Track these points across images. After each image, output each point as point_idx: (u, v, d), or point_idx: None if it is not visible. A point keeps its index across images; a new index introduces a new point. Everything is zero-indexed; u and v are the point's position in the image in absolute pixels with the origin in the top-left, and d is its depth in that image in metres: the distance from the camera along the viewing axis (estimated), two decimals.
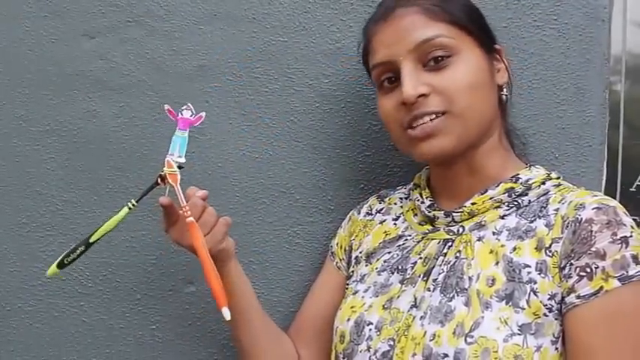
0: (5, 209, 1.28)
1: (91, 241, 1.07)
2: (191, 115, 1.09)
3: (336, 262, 1.20)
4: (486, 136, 1.05)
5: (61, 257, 1.07)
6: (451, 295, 0.98)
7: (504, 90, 1.08)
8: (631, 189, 1.28)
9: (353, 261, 1.16)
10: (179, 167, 1.07)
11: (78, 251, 1.07)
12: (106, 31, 1.27)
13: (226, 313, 1.01)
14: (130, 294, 1.28)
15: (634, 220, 1.15)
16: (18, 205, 1.28)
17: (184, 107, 1.09)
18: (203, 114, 1.10)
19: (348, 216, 1.22)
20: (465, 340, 0.92)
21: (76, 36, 1.27)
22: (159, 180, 1.07)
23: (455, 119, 1.00)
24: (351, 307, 1.07)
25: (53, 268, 1.07)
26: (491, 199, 1.03)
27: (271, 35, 1.27)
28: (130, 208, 1.07)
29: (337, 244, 1.21)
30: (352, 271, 1.15)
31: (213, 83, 1.27)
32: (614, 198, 1.25)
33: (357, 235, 1.18)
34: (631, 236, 0.93)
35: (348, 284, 1.15)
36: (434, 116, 1.00)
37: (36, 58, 1.27)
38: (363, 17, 1.23)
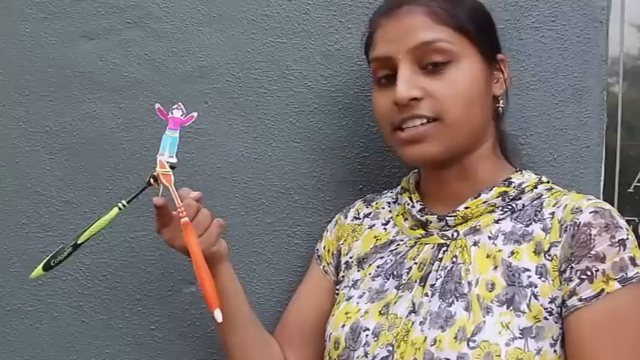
0: (5, 210, 1.28)
1: (79, 242, 1.04)
2: (182, 115, 1.08)
3: (323, 266, 1.19)
4: (478, 144, 1.05)
5: (47, 259, 1.04)
6: (450, 300, 0.98)
7: (501, 102, 1.07)
8: (629, 190, 1.29)
9: (343, 266, 1.16)
10: (171, 167, 1.06)
11: (65, 252, 1.04)
12: (106, 32, 1.27)
13: (218, 316, 1.01)
14: (130, 294, 1.28)
15: (633, 220, 1.16)
16: (18, 206, 1.28)
17: (175, 106, 1.08)
18: (195, 114, 1.09)
19: (334, 220, 1.22)
20: (468, 344, 0.92)
21: (76, 37, 1.27)
22: (151, 180, 1.06)
23: (444, 128, 1.01)
24: (346, 313, 1.06)
25: (38, 269, 1.04)
26: (484, 202, 1.04)
27: (270, 37, 1.27)
28: (120, 209, 1.06)
29: (324, 247, 1.20)
30: (342, 277, 1.15)
31: (212, 84, 1.27)
32: (612, 199, 1.26)
33: (345, 240, 1.17)
34: (627, 239, 0.94)
35: (338, 290, 1.15)
36: (425, 120, 1.01)
37: (35, 59, 1.28)
38: (361, 19, 1.24)
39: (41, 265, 1.04)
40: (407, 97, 1.00)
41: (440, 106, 1.00)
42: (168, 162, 1.06)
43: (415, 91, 1.01)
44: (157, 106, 1.07)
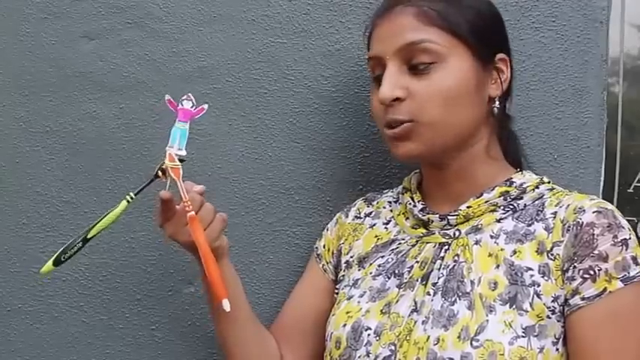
0: (5, 210, 1.28)
1: (89, 236, 1.04)
2: (192, 107, 1.08)
3: (323, 265, 1.19)
4: (467, 144, 1.05)
5: (57, 253, 1.03)
6: (453, 299, 0.98)
7: (496, 102, 1.06)
8: (629, 190, 1.29)
9: (343, 265, 1.16)
10: (181, 160, 1.05)
11: (75, 247, 1.04)
12: (106, 32, 1.27)
13: (226, 305, 1.01)
14: (130, 294, 1.28)
15: (632, 220, 1.17)
16: (18, 206, 1.28)
17: (184, 97, 1.08)
18: (205, 106, 1.09)
19: (335, 219, 1.22)
20: (471, 343, 0.93)
21: (76, 38, 1.27)
22: (159, 173, 1.05)
23: (423, 128, 1.01)
24: (347, 313, 1.06)
25: (49, 265, 1.03)
26: (486, 202, 1.04)
27: (270, 37, 1.28)
28: (128, 202, 1.05)
29: (324, 246, 1.20)
30: (342, 276, 1.15)
31: (212, 85, 1.27)
32: (612, 199, 1.27)
33: (346, 239, 1.17)
34: (630, 238, 0.95)
35: (338, 289, 1.14)
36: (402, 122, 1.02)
37: (35, 59, 1.27)
38: (362, 19, 1.24)
39: (51, 260, 1.03)
40: (389, 98, 1.01)
41: (417, 108, 1.01)
42: (177, 155, 1.05)
43: (398, 92, 1.01)
44: (167, 97, 1.07)
